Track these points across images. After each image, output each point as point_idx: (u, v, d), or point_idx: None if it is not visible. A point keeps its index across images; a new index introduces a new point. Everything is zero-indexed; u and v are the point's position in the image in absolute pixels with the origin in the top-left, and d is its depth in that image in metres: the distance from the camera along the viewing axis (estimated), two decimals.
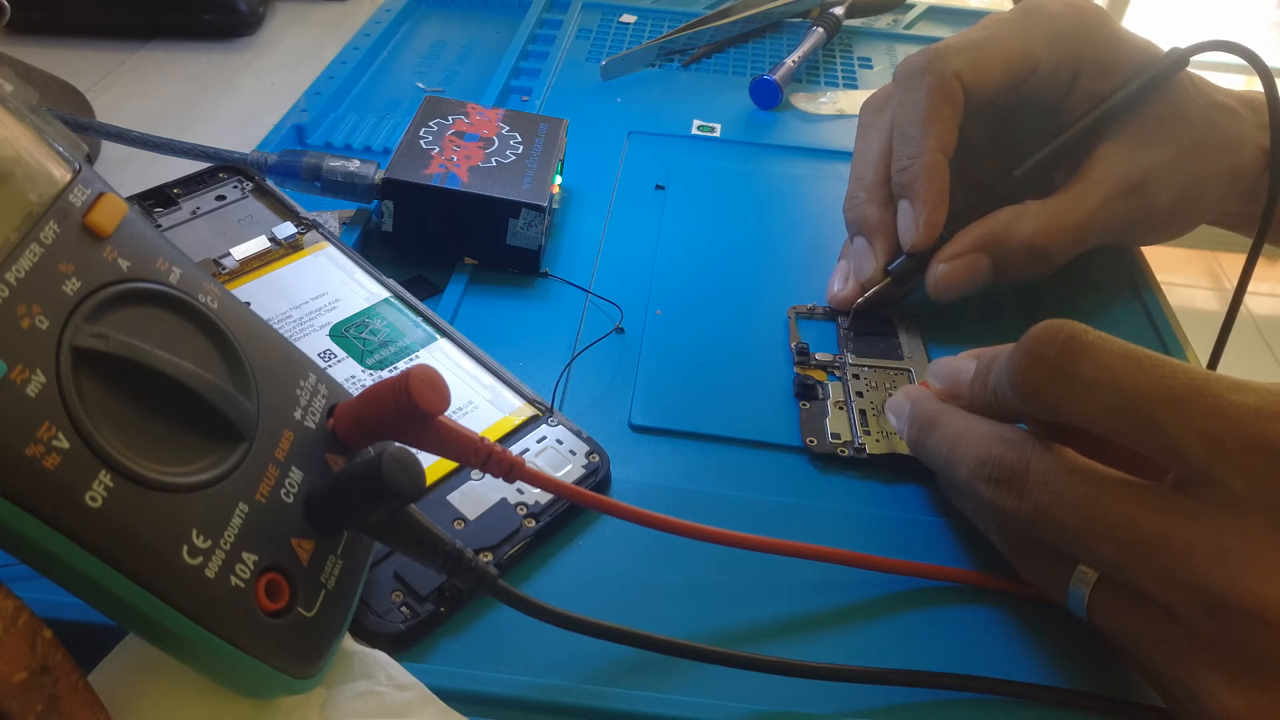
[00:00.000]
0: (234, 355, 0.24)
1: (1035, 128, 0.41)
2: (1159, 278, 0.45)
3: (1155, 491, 0.24)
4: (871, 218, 0.39)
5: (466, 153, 0.41)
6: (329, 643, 0.23)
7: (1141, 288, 0.44)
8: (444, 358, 0.34)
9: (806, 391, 0.36)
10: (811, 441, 0.34)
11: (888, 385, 0.36)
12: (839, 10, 0.62)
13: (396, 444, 0.23)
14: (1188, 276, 1.96)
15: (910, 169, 0.37)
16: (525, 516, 0.29)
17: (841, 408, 0.35)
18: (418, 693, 0.24)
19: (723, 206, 0.46)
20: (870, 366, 0.37)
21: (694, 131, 0.52)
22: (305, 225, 0.38)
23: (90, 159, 0.38)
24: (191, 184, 0.38)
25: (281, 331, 0.28)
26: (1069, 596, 0.27)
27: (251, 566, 0.22)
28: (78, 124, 0.41)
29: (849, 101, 0.56)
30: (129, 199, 0.30)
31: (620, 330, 0.38)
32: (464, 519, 0.29)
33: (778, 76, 0.54)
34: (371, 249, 0.41)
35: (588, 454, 0.32)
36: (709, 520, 0.28)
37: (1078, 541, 0.25)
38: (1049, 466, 0.25)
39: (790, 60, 0.56)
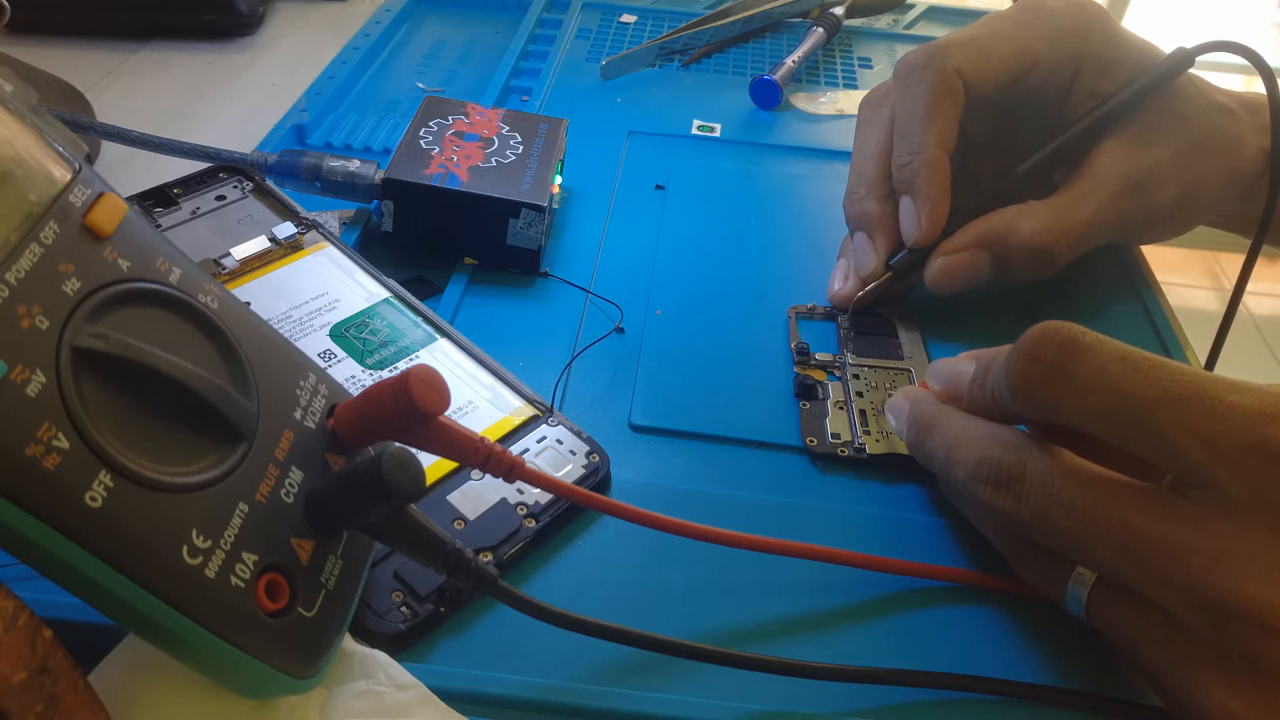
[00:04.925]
0: (234, 355, 0.24)
1: (1035, 125, 0.41)
2: (1159, 278, 0.45)
3: (1153, 494, 0.24)
4: (872, 213, 0.39)
5: (466, 153, 0.41)
6: (329, 643, 0.23)
7: (1141, 288, 0.44)
8: (444, 358, 0.34)
9: (806, 391, 0.36)
10: (811, 441, 0.34)
11: (888, 385, 0.36)
12: (839, 10, 0.62)
13: (396, 444, 0.23)
14: (1188, 276, 1.96)
15: (911, 164, 0.37)
16: (525, 516, 0.30)
17: (841, 408, 0.35)
18: (418, 693, 0.24)
19: (723, 206, 0.46)
20: (870, 366, 0.37)
21: (694, 131, 0.52)
22: (305, 225, 0.38)
23: (90, 159, 0.38)
24: (191, 184, 0.38)
25: (281, 331, 0.28)
26: (1067, 598, 0.27)
27: (251, 566, 0.22)
28: (78, 124, 0.41)
29: (849, 101, 0.56)
30: (129, 199, 0.30)
31: (620, 330, 0.38)
32: (464, 519, 0.29)
33: (778, 76, 0.54)
34: (371, 249, 0.41)
35: (588, 454, 0.32)
36: (709, 520, 0.28)
37: (1075, 544, 0.25)
38: (1047, 469, 0.25)
39: (790, 60, 0.56)
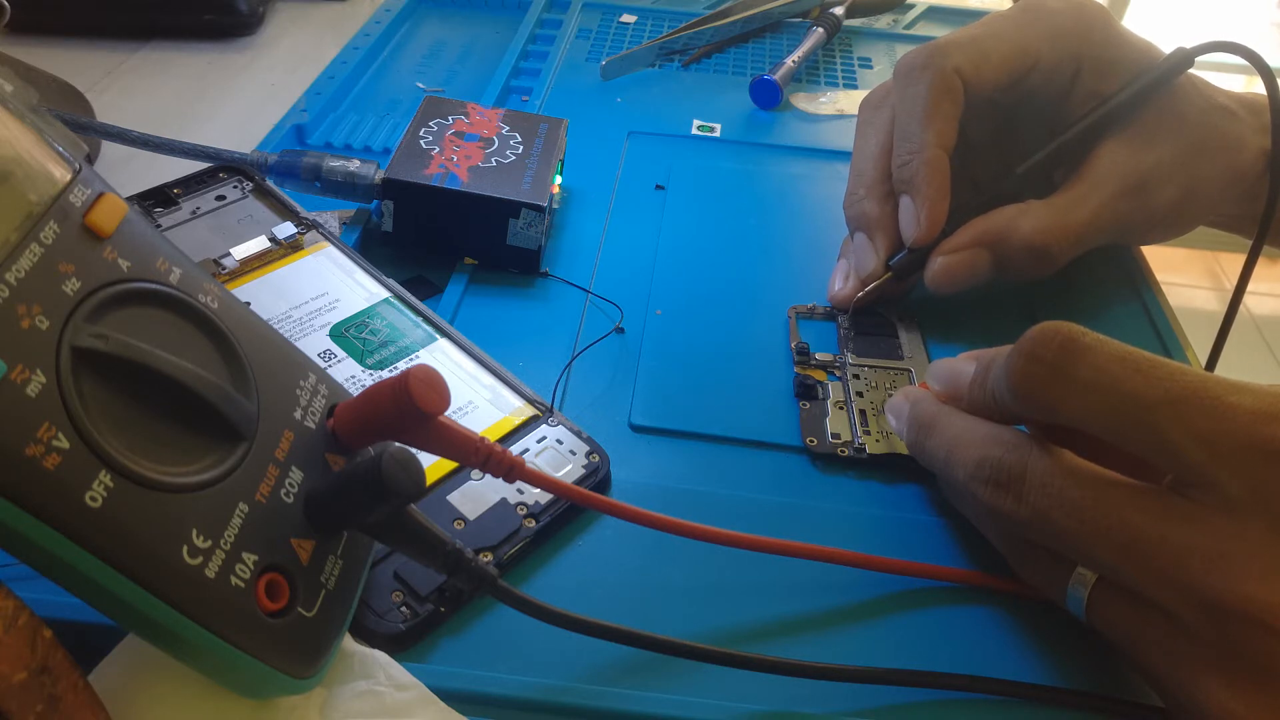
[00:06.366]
0: (234, 355, 0.24)
1: (1035, 125, 0.41)
2: (1159, 278, 0.45)
3: (1153, 494, 0.24)
4: (872, 213, 0.39)
5: (466, 153, 0.41)
6: (329, 643, 0.23)
7: (1141, 288, 0.44)
8: (444, 358, 0.34)
9: (806, 391, 0.36)
10: (811, 441, 0.34)
11: (888, 385, 0.36)
12: (839, 10, 0.62)
13: (396, 444, 0.23)
14: (1188, 276, 1.96)
15: (911, 164, 0.37)
16: (525, 516, 0.29)
17: (841, 408, 0.35)
18: (418, 693, 0.24)
19: (723, 206, 0.46)
20: (870, 366, 0.37)
21: (694, 131, 0.52)
22: (305, 225, 0.38)
23: (90, 159, 0.38)
24: (191, 184, 0.38)
25: (281, 331, 0.28)
26: (1067, 598, 0.27)
27: (251, 566, 0.22)
28: (78, 124, 0.41)
29: (849, 101, 0.56)
30: (129, 199, 0.30)
31: (620, 330, 0.38)
32: (464, 519, 0.29)
33: (778, 76, 0.54)
34: (371, 249, 0.41)
35: (588, 454, 0.32)
36: (709, 520, 0.28)
37: (1076, 544, 0.25)
38: (1047, 469, 0.25)
39: (790, 60, 0.56)
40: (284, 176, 0.40)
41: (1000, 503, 0.26)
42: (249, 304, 0.26)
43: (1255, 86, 0.39)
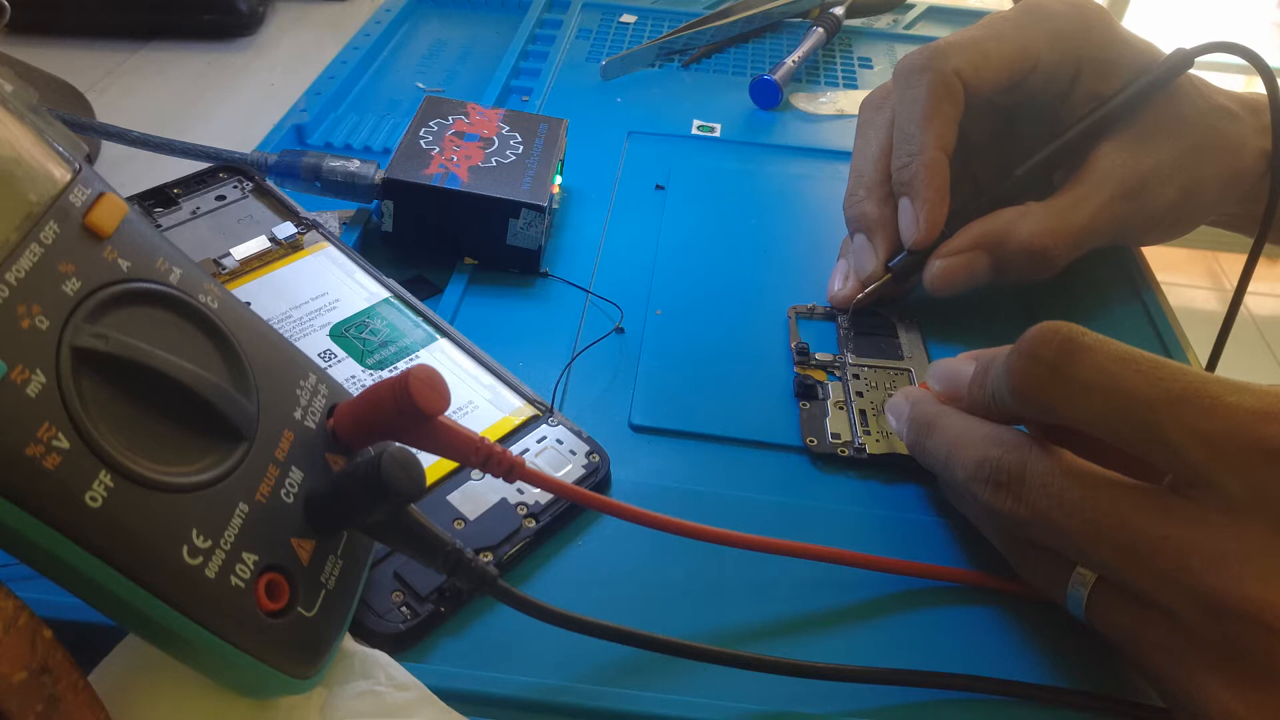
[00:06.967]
0: (234, 355, 0.24)
1: (1035, 127, 0.41)
2: (1159, 278, 0.45)
3: (1153, 494, 0.24)
4: (872, 215, 0.39)
5: (466, 153, 0.41)
6: (329, 643, 0.23)
7: (1141, 288, 0.44)
8: (444, 358, 0.34)
9: (806, 391, 0.36)
10: (811, 441, 0.34)
11: (888, 385, 0.36)
12: (839, 10, 0.62)
13: (396, 444, 0.23)
14: (1188, 276, 1.96)
15: (911, 166, 0.37)
16: (525, 516, 0.30)
17: (841, 408, 0.35)
18: (418, 693, 0.24)
19: (723, 206, 0.46)
20: (870, 366, 0.37)
21: (694, 131, 0.52)
22: (305, 225, 0.38)
23: (90, 159, 0.38)
24: (191, 184, 0.38)
25: (281, 331, 0.28)
26: (1068, 598, 0.27)
27: (251, 566, 0.22)
28: (78, 124, 0.41)
29: (849, 101, 0.56)
30: (129, 199, 0.30)
31: (620, 330, 0.38)
32: (464, 519, 0.29)
33: (778, 76, 0.54)
34: (371, 249, 0.41)
35: (588, 454, 0.32)
36: (709, 520, 0.28)
37: (1076, 544, 0.25)
38: (1047, 469, 0.25)
39: (790, 60, 0.56)
40: (284, 176, 0.40)
41: (1000, 503, 0.26)
42: (249, 304, 0.26)
43: (1255, 86, 0.39)
